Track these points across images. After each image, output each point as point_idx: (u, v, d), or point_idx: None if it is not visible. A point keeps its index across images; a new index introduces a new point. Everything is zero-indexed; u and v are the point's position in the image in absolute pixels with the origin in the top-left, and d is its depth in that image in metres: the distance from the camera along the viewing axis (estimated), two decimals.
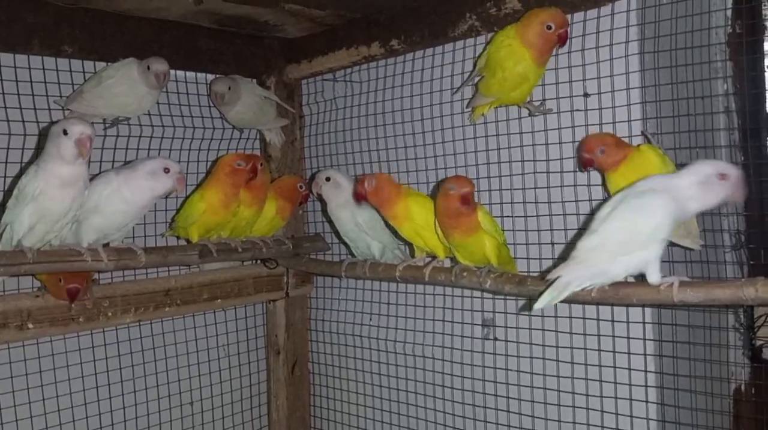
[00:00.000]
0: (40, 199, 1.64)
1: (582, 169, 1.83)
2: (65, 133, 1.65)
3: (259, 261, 2.56)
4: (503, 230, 2.01)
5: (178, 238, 2.27)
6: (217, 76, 2.41)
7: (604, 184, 1.81)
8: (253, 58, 2.57)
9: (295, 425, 2.70)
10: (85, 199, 1.76)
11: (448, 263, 1.99)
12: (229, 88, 2.33)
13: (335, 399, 2.68)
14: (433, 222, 1.90)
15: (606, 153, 1.69)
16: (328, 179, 2.14)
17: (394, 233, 2.06)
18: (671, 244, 1.83)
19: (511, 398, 2.13)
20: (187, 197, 2.20)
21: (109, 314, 2.15)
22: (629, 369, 1.89)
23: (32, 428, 2.12)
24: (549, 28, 1.79)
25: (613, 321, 1.91)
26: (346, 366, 2.64)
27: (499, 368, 2.16)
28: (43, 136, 1.80)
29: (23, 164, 2.08)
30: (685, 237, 1.74)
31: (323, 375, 2.73)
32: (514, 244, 2.09)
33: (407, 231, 1.97)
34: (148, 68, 2.09)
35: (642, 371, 1.87)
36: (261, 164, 2.20)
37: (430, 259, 1.99)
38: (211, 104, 2.46)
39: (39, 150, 2.07)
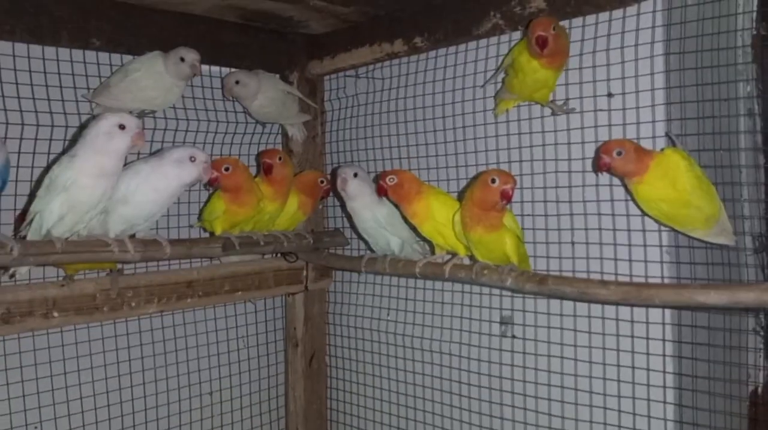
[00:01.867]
0: (72, 190, 1.66)
1: (597, 171, 1.82)
2: (122, 127, 1.69)
3: (279, 255, 2.58)
4: (522, 229, 2.02)
5: (203, 229, 2.29)
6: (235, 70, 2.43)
7: (630, 195, 1.80)
8: (277, 54, 2.59)
9: (312, 417, 2.73)
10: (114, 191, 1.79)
11: (467, 261, 1.99)
12: (237, 82, 2.34)
13: (352, 392, 2.71)
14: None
15: (624, 157, 1.65)
16: (355, 175, 2.14)
17: (414, 229, 2.07)
18: (698, 244, 1.84)
19: (528, 396, 2.14)
20: (213, 191, 2.22)
21: (133, 304, 2.18)
22: (648, 370, 1.89)
23: (54, 415, 2.16)
24: (530, 35, 1.80)
25: (632, 321, 1.92)
26: (363, 360, 2.66)
27: (516, 366, 2.18)
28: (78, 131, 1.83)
29: (50, 155, 2.11)
30: (719, 235, 1.74)
31: (340, 368, 2.75)
32: (534, 243, 2.10)
33: (428, 229, 1.98)
34: (182, 60, 2.11)
35: (660, 372, 1.87)
36: (280, 158, 2.22)
37: (450, 256, 2.00)
38: (235, 99, 2.48)
39: (68, 142, 2.12)
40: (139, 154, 2.17)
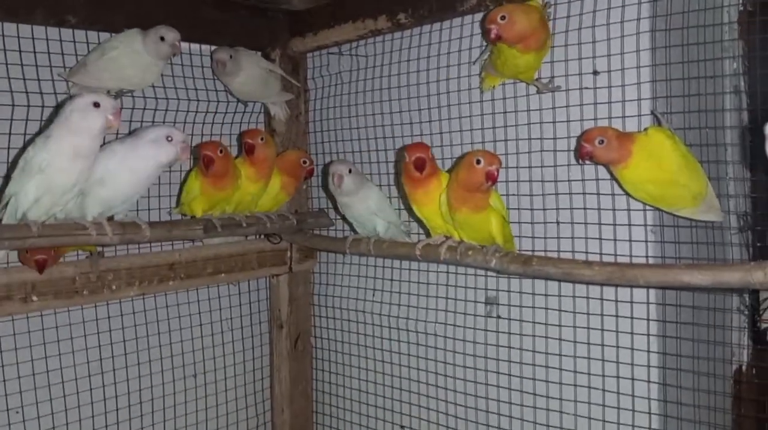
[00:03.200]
0: (48, 172, 1.63)
1: (579, 160, 1.81)
2: (96, 105, 1.65)
3: (262, 236, 2.56)
4: (508, 209, 2.01)
5: (183, 215, 2.25)
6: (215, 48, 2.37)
7: (615, 180, 1.79)
8: (258, 30, 2.54)
9: (297, 398, 2.72)
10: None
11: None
12: (231, 57, 2.29)
13: (337, 373, 2.70)
14: None
15: (606, 146, 1.64)
16: (350, 171, 2.10)
17: (409, 209, 2.04)
18: (683, 223, 1.84)
19: (513, 375, 2.14)
20: (188, 173, 2.19)
21: (113, 287, 2.15)
22: (632, 349, 1.89)
23: (36, 400, 2.13)
24: (503, 18, 1.77)
25: (617, 301, 1.91)
26: (348, 341, 2.65)
27: (501, 346, 2.17)
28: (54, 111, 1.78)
29: (26, 136, 2.06)
30: (707, 212, 1.73)
31: (326, 349, 2.74)
32: (519, 222, 2.08)
33: (429, 212, 1.93)
34: (162, 39, 2.06)
35: (645, 351, 1.87)
36: (262, 139, 2.18)
37: (444, 238, 1.97)
38: (215, 77, 2.44)
39: (44, 122, 2.07)
40: (117, 134, 2.13)
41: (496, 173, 1.71)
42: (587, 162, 1.77)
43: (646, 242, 1.86)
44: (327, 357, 2.74)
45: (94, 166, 1.76)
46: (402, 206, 2.34)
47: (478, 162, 1.71)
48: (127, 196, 1.89)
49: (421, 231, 2.26)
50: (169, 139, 1.84)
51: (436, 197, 1.87)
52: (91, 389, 2.26)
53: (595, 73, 1.93)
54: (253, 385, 2.71)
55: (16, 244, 1.68)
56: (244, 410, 2.67)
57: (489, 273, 2.17)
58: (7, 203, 1.73)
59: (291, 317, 2.69)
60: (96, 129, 1.67)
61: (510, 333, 2.15)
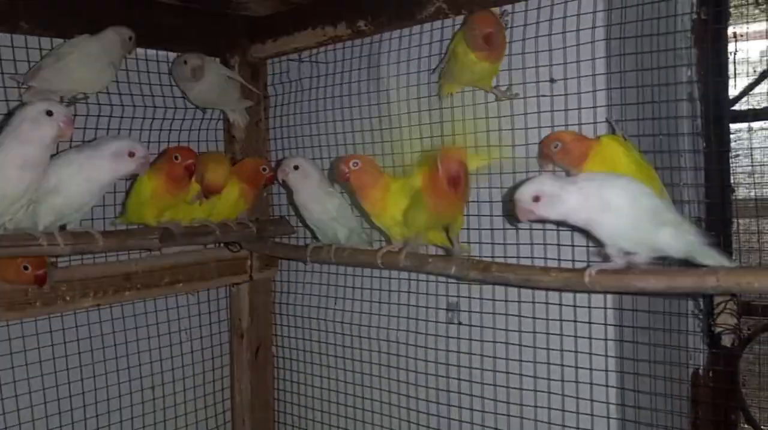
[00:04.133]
0: None
1: (541, 165, 1.83)
2: (49, 113, 1.61)
3: (222, 244, 2.52)
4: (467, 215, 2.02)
5: (128, 224, 2.17)
6: (180, 54, 2.34)
7: None
8: (217, 36, 2.51)
9: (258, 408, 2.69)
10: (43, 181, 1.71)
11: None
12: (186, 65, 2.25)
13: (299, 383, 2.68)
14: None
15: (563, 150, 1.68)
16: (296, 168, 2.10)
17: (367, 217, 2.03)
18: None
19: (475, 382, 2.14)
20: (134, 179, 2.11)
21: (67, 298, 2.10)
22: (590, 354, 1.91)
23: None
24: (474, 30, 1.79)
25: (575, 306, 1.93)
26: (310, 350, 2.62)
27: (463, 352, 2.17)
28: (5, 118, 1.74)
29: None
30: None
31: (287, 359, 2.71)
32: (479, 229, 2.09)
33: (386, 219, 1.92)
34: (118, 35, 2.07)
35: (603, 355, 1.89)
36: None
37: (402, 245, 1.95)
38: (173, 83, 2.40)
39: None
40: (71, 142, 2.09)
41: (459, 180, 1.71)
42: (550, 166, 1.79)
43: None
44: (289, 366, 2.71)
45: (49, 173, 1.73)
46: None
47: (437, 169, 1.72)
48: (81, 206, 1.85)
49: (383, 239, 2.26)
50: (132, 154, 1.82)
51: (388, 203, 1.87)
52: (45, 402, 2.20)
53: (552, 80, 1.94)
54: (213, 396, 2.67)
55: None
56: (204, 421, 2.63)
57: (450, 280, 2.17)
58: None
59: (252, 327, 2.66)
60: (48, 138, 1.63)
61: (471, 339, 2.15)
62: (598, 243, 1.54)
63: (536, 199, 1.48)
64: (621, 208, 1.44)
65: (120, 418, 2.39)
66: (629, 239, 1.47)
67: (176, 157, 2.00)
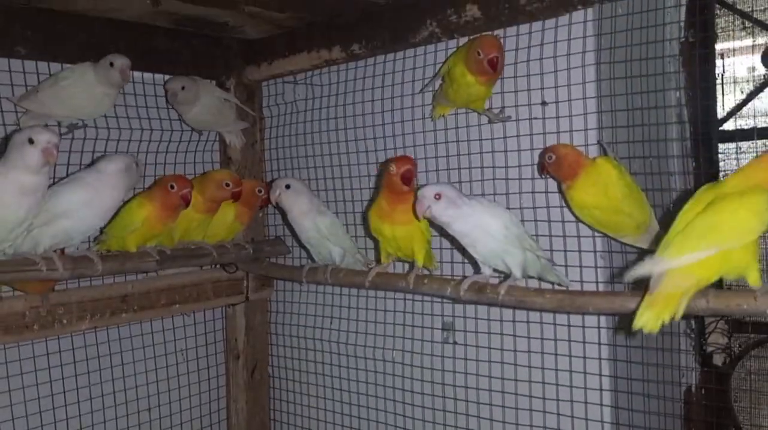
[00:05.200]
0: None
1: (539, 173, 1.86)
2: (31, 141, 1.62)
3: (218, 265, 2.54)
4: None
5: (108, 251, 2.11)
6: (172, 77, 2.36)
7: (565, 202, 1.84)
8: (212, 59, 2.54)
9: (255, 428, 2.69)
10: (46, 206, 1.74)
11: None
12: (183, 88, 2.28)
13: (295, 403, 2.68)
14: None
15: (555, 162, 1.73)
16: (288, 187, 2.12)
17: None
18: (631, 249, 1.88)
19: (471, 401, 2.16)
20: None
21: (65, 321, 2.11)
22: (584, 373, 1.93)
23: None
24: (478, 54, 1.82)
25: (569, 326, 1.95)
26: (306, 370, 2.64)
27: (458, 372, 2.19)
28: (2, 142, 1.75)
29: None
30: (650, 241, 1.79)
31: (283, 379, 2.72)
32: None
33: (403, 234, 1.89)
34: (111, 65, 2.05)
35: (597, 374, 1.91)
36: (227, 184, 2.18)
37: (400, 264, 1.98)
38: (170, 106, 2.43)
39: None
40: (68, 166, 2.11)
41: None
42: (545, 176, 1.84)
43: (596, 267, 1.91)
44: (284, 386, 2.72)
45: (57, 198, 1.76)
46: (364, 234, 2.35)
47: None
48: (91, 228, 1.89)
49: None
50: (137, 164, 1.90)
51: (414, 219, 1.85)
52: (42, 425, 2.20)
53: (544, 103, 1.98)
54: (210, 417, 2.67)
55: None
56: None
57: (445, 300, 2.19)
58: None
59: (248, 347, 2.67)
60: (33, 165, 1.63)
61: (466, 359, 2.17)
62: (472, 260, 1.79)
63: (437, 196, 1.67)
64: (497, 232, 1.70)
65: None
66: (497, 258, 1.74)
67: (172, 187, 2.01)
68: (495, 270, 1.80)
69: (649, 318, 1.31)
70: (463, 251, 1.91)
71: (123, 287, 2.27)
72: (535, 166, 1.98)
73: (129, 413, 2.42)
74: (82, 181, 1.84)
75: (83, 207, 1.81)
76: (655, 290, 1.32)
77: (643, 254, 1.78)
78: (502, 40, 2.02)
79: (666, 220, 1.58)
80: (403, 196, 1.82)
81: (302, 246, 2.28)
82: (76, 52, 2.14)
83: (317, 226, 2.13)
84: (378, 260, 2.04)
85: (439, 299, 2.21)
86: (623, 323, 1.82)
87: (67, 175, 2.05)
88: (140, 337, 2.45)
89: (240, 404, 2.66)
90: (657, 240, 1.43)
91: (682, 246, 1.31)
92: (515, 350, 2.06)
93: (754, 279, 1.34)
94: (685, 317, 2.09)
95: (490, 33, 2.00)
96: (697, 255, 1.30)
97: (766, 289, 1.35)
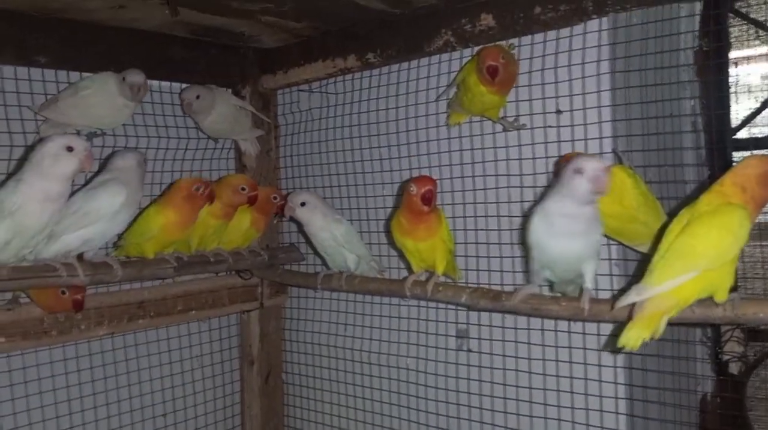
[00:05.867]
0: (18, 215, 1.62)
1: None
2: (69, 149, 1.66)
3: (233, 272, 2.55)
4: (476, 243, 2.05)
5: (127, 257, 2.16)
6: (187, 86, 2.39)
7: None
8: (228, 68, 2.57)
9: None
10: (84, 210, 1.80)
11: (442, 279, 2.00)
12: (199, 96, 2.31)
13: (309, 409, 2.69)
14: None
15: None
16: (303, 204, 2.15)
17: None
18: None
19: (485, 409, 2.16)
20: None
21: (82, 326, 2.13)
22: (600, 381, 1.93)
23: None
24: (481, 65, 1.84)
25: (584, 334, 1.95)
26: (320, 376, 2.64)
27: (472, 379, 2.19)
28: (30, 149, 1.77)
29: None
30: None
31: (297, 385, 2.73)
32: (488, 257, 2.12)
33: (425, 247, 1.90)
34: (124, 80, 2.08)
35: (612, 383, 1.91)
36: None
37: (429, 274, 1.98)
38: (186, 114, 2.45)
39: (16, 161, 2.06)
40: (86, 175, 2.13)
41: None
42: None
43: (611, 275, 1.91)
44: (299, 393, 2.73)
45: (89, 203, 1.81)
46: (385, 241, 2.37)
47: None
48: (122, 229, 1.96)
49: (395, 265, 2.30)
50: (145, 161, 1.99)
51: (437, 232, 1.88)
52: None
53: (558, 112, 1.99)
54: (224, 423, 2.69)
55: None
56: None
57: (459, 307, 2.20)
58: None
59: (262, 353, 2.68)
60: (68, 173, 1.68)
61: (481, 366, 2.18)
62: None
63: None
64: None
65: None
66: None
67: (198, 188, 2.05)
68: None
69: (630, 337, 1.37)
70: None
71: (139, 294, 2.29)
72: (550, 175, 2.00)
73: (145, 419, 2.43)
74: (117, 182, 1.88)
75: (124, 208, 1.86)
76: (639, 312, 1.39)
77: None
78: (516, 50, 2.04)
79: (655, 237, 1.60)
80: (423, 216, 1.83)
81: (317, 253, 2.30)
82: (94, 62, 2.17)
83: (333, 235, 2.15)
84: (409, 270, 2.03)
85: (454, 306, 2.22)
86: (610, 340, 1.87)
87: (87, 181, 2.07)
88: (156, 343, 2.47)
89: (254, 411, 2.67)
90: (647, 260, 1.46)
91: (662, 273, 1.37)
92: (530, 358, 2.06)
93: (721, 297, 1.39)
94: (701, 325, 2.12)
95: (504, 42, 2.02)
96: (677, 280, 1.35)
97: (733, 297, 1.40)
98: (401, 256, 2.08)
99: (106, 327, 2.19)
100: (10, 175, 1.76)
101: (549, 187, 1.71)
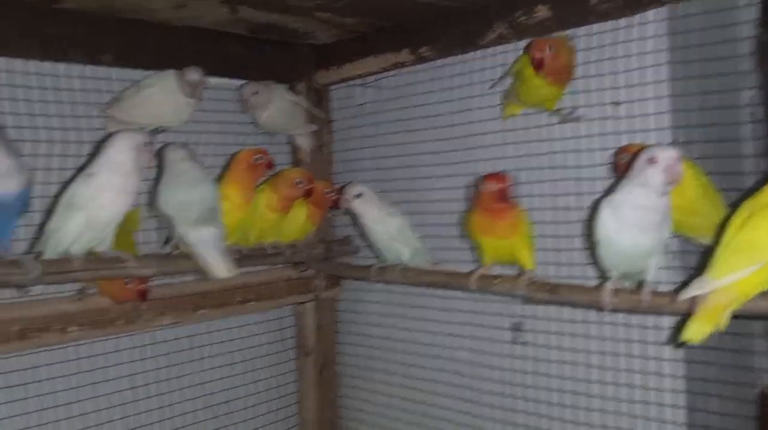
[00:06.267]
0: (91, 208, 1.70)
1: (613, 173, 1.86)
2: (139, 145, 1.75)
3: (290, 264, 2.60)
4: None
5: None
6: (245, 83, 2.45)
7: None
8: (283, 64, 2.61)
9: (325, 425, 2.75)
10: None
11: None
12: (256, 93, 2.38)
13: (363, 400, 2.73)
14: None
15: (629, 162, 1.69)
16: (358, 196, 2.19)
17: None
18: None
19: (541, 401, 2.17)
20: None
21: (148, 316, 2.20)
22: (658, 374, 1.92)
23: (71, 429, 2.18)
24: (530, 56, 1.86)
25: (643, 327, 1.94)
26: (374, 368, 2.68)
27: (528, 372, 2.20)
28: (99, 145, 1.85)
29: (63, 171, 2.12)
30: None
31: (351, 377, 2.78)
32: (544, 250, 2.12)
33: (505, 244, 1.87)
34: (183, 78, 2.15)
35: (671, 376, 1.90)
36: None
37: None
38: (244, 110, 2.51)
39: (83, 157, 2.14)
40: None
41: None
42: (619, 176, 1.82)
43: (670, 268, 1.89)
44: (353, 384, 2.77)
45: (174, 193, 1.91)
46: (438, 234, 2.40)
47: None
48: None
49: (449, 258, 2.32)
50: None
51: (518, 230, 1.86)
52: (124, 418, 2.31)
53: (616, 103, 1.98)
54: (281, 411, 2.75)
55: (59, 278, 1.74)
56: None
57: (514, 299, 2.21)
58: (47, 240, 1.79)
59: (317, 345, 2.73)
60: (138, 167, 1.76)
61: (536, 359, 2.18)
62: None
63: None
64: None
65: None
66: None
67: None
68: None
69: (693, 331, 1.39)
70: None
71: (202, 285, 2.35)
72: (607, 167, 1.99)
73: (206, 406, 2.51)
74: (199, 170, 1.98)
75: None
76: (701, 306, 1.39)
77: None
78: (574, 41, 2.03)
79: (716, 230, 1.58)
80: (500, 213, 1.82)
81: (371, 246, 2.33)
82: (156, 60, 2.24)
83: (387, 229, 2.18)
84: (480, 263, 2.00)
85: (509, 298, 2.23)
86: (672, 335, 1.86)
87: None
88: (216, 333, 2.55)
89: (310, 401, 2.73)
90: (708, 253, 1.46)
91: (724, 266, 1.36)
92: (587, 351, 2.06)
93: None
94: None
95: (561, 34, 2.02)
96: (739, 274, 1.35)
97: None
98: (472, 249, 2.11)
99: (170, 317, 2.26)
100: (79, 170, 1.82)
101: (614, 181, 1.71)
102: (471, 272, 1.97)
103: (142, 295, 2.02)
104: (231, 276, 1.94)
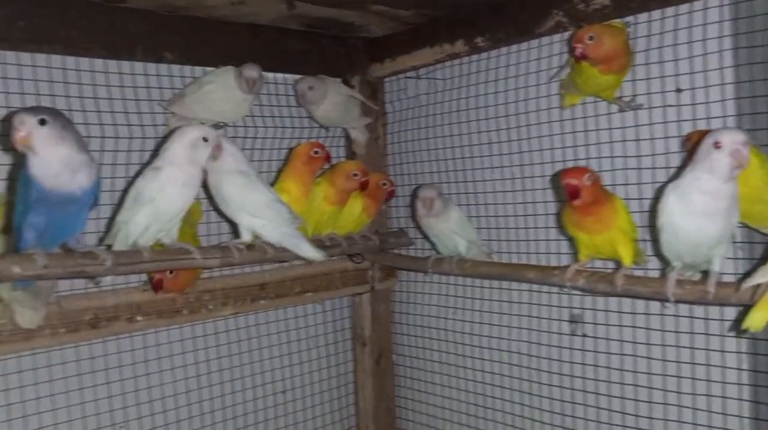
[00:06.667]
0: (158, 201, 1.75)
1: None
2: (205, 139, 1.80)
3: (345, 256, 2.64)
4: None
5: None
6: (301, 77, 2.48)
7: None
8: (338, 58, 2.63)
9: (382, 414, 2.79)
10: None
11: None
12: (311, 87, 2.41)
13: (419, 390, 2.75)
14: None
15: (693, 150, 1.65)
16: (439, 194, 2.21)
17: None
18: None
19: (600, 394, 2.15)
20: None
21: (210, 306, 2.27)
22: (723, 367, 1.88)
23: (139, 415, 2.26)
24: (591, 38, 1.84)
25: (706, 319, 1.90)
26: (430, 358, 2.69)
27: (587, 365, 2.18)
28: (164, 140, 1.91)
29: (128, 166, 2.19)
30: None
31: (407, 367, 2.80)
32: None
33: (602, 240, 1.80)
34: (241, 74, 2.19)
35: (736, 369, 1.86)
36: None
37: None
38: (300, 104, 2.54)
39: (148, 152, 2.21)
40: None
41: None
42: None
43: (735, 259, 1.85)
44: (409, 374, 2.79)
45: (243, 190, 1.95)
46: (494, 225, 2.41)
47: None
48: None
49: (504, 250, 2.32)
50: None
51: (611, 225, 1.77)
52: (189, 405, 2.38)
53: (678, 90, 1.94)
54: (339, 401, 2.80)
55: (129, 269, 1.79)
56: (330, 426, 2.76)
57: (573, 291, 2.19)
58: (116, 231, 1.85)
59: (373, 335, 2.76)
60: (204, 161, 1.81)
61: (596, 352, 2.16)
62: None
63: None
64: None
65: (255, 420, 2.55)
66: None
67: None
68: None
69: (755, 319, 1.36)
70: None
71: (261, 276, 2.41)
72: (668, 156, 1.95)
73: (266, 395, 2.57)
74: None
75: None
76: (763, 294, 1.37)
77: None
78: (632, 28, 2.00)
79: None
80: (585, 208, 1.75)
81: (426, 238, 2.34)
82: (216, 57, 2.28)
83: (449, 224, 2.20)
84: (576, 257, 1.93)
85: (567, 290, 2.21)
86: (734, 324, 1.82)
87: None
88: (275, 323, 2.60)
89: (367, 391, 2.76)
90: None
91: None
92: (648, 343, 2.03)
93: None
94: None
95: (618, 21, 1.98)
96: None
97: None
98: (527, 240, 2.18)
99: (231, 307, 2.32)
100: (144, 165, 1.88)
101: (680, 167, 1.67)
102: (565, 267, 1.90)
103: (158, 285, 2.05)
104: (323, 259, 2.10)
